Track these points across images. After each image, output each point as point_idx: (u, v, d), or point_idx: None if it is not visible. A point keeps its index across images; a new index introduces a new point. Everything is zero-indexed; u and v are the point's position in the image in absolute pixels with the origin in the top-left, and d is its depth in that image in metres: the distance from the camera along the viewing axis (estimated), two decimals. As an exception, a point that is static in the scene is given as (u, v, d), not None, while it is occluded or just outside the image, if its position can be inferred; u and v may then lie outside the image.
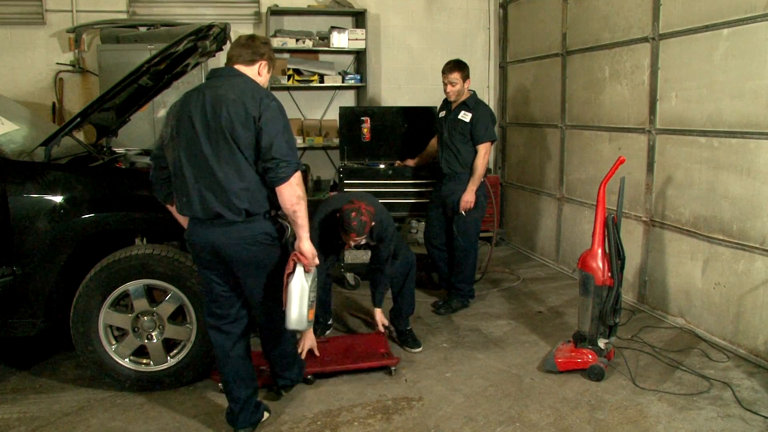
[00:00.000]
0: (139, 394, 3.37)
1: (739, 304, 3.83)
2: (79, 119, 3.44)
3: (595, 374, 3.50)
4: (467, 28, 6.93)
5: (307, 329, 3.00)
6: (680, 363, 3.70)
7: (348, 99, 6.78)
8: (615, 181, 3.68)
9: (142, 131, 5.51)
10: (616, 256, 3.52)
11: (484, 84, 6.98)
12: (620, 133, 4.86)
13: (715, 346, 3.91)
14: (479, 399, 3.35)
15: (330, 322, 4.28)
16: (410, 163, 5.22)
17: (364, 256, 5.05)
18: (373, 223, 3.55)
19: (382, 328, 3.97)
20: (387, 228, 3.75)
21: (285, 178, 2.59)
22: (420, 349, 3.97)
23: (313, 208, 6.20)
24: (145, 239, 3.48)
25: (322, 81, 6.42)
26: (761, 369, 3.60)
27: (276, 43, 6.16)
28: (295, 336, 3.16)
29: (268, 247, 2.76)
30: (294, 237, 2.77)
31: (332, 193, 5.59)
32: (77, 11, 6.03)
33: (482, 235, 5.14)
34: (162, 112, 5.63)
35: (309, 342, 3.62)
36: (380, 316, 3.99)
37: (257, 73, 2.81)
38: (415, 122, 5.52)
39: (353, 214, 3.46)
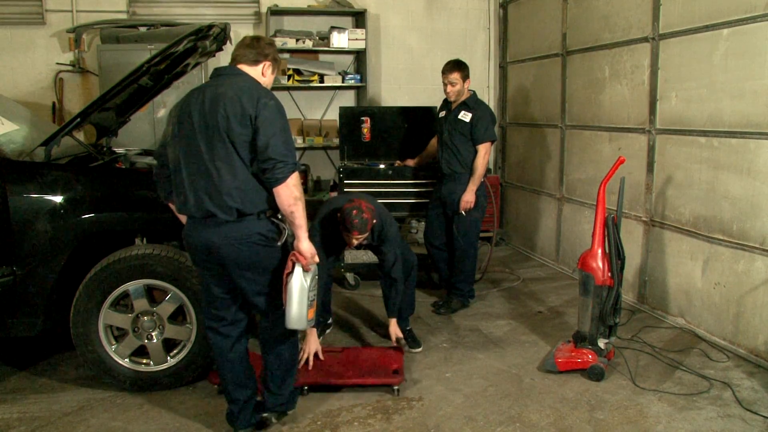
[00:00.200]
0: (139, 394, 3.37)
1: (739, 304, 3.83)
2: (79, 119, 3.44)
3: (595, 374, 3.50)
4: (467, 28, 6.94)
5: (307, 328, 2.95)
6: (680, 363, 3.70)
7: (348, 99, 6.78)
8: (615, 181, 3.68)
9: (142, 131, 5.52)
10: (616, 256, 3.52)
11: (484, 84, 6.98)
12: (620, 133, 4.86)
13: (715, 346, 3.91)
14: (479, 399, 3.35)
15: (330, 322, 4.28)
16: (410, 163, 5.22)
17: (364, 256, 5.05)
18: (374, 221, 3.54)
19: (395, 341, 3.78)
20: (389, 228, 3.70)
21: (281, 179, 2.56)
22: (420, 349, 3.97)
23: (313, 208, 6.23)
24: (145, 239, 3.48)
25: (322, 81, 6.42)
26: (761, 369, 3.60)
27: (276, 43, 6.15)
28: (295, 346, 3.02)
29: (263, 248, 2.70)
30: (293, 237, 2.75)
31: (332, 194, 5.60)
32: (77, 11, 6.04)
33: (482, 235, 5.14)
34: (162, 112, 5.64)
35: (314, 346, 3.57)
36: (394, 328, 3.81)
37: (261, 73, 2.80)
38: (415, 122, 5.52)
39: (354, 212, 3.43)
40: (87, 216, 3.29)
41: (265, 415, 3.01)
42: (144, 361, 3.40)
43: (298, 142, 6.47)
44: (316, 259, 2.75)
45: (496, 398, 3.35)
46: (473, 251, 4.71)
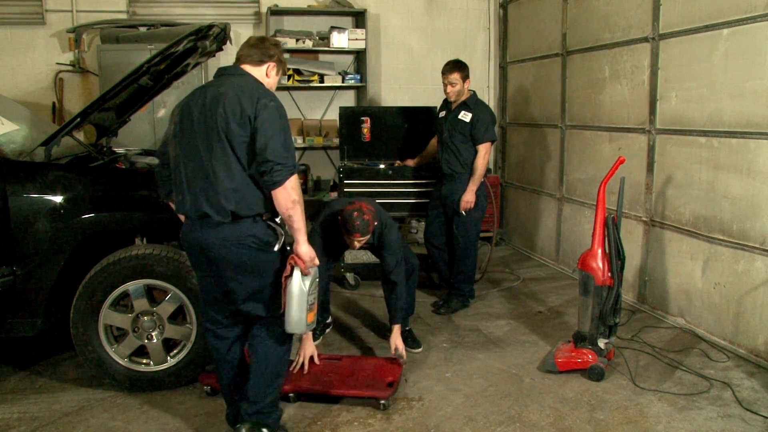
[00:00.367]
0: (139, 394, 3.37)
1: (739, 304, 3.83)
2: (79, 119, 3.44)
3: (595, 374, 3.50)
4: (467, 28, 6.93)
5: (306, 332, 2.91)
6: (680, 363, 3.70)
7: (348, 99, 6.78)
8: (615, 181, 3.68)
9: (142, 131, 5.52)
10: (616, 256, 3.52)
11: (484, 84, 6.98)
12: (620, 133, 4.86)
13: (715, 346, 3.91)
14: (479, 399, 3.35)
15: (329, 321, 4.28)
16: (410, 163, 5.22)
17: (364, 256, 5.05)
18: (375, 223, 3.53)
19: (393, 351, 3.63)
20: (389, 230, 3.68)
21: (279, 182, 2.50)
22: (420, 349, 3.97)
23: (313, 208, 6.24)
24: (145, 239, 3.48)
25: (322, 81, 6.42)
26: (761, 369, 3.60)
27: (276, 43, 6.16)
28: (284, 356, 2.86)
29: (256, 251, 2.63)
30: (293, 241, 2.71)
31: (332, 194, 5.61)
32: (77, 11, 6.04)
33: (482, 235, 5.14)
34: (162, 112, 5.64)
35: (309, 351, 3.53)
36: (396, 337, 3.66)
37: (265, 74, 2.76)
38: (415, 122, 5.52)
39: (355, 213, 3.42)
40: (87, 216, 3.29)
41: (237, 425, 2.82)
42: (144, 361, 3.40)
43: (298, 142, 6.48)
44: (316, 262, 2.71)
45: (496, 398, 3.35)
46: (473, 251, 4.71)
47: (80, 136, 3.86)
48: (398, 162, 5.30)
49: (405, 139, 5.51)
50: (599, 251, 3.55)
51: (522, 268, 5.88)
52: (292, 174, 2.53)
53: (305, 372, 3.47)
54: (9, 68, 5.98)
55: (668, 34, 4.32)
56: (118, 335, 3.39)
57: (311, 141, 6.52)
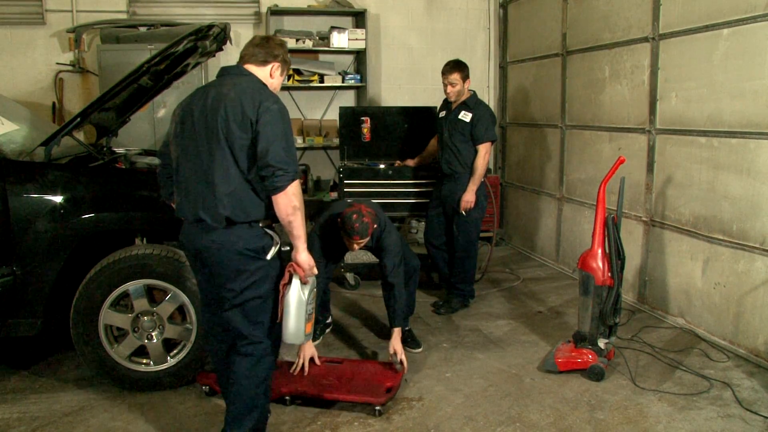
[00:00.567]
0: (139, 394, 3.37)
1: (739, 304, 3.83)
2: (79, 119, 3.44)
3: (595, 374, 3.50)
4: (467, 28, 6.94)
5: (304, 343, 2.80)
6: (680, 363, 3.70)
7: (348, 99, 6.78)
8: (615, 181, 3.68)
9: (142, 131, 5.51)
10: (616, 256, 3.52)
11: (484, 84, 6.98)
12: (620, 133, 4.86)
13: (715, 346, 3.91)
14: (479, 399, 3.35)
15: (329, 321, 4.28)
16: (410, 163, 5.22)
17: (364, 256, 5.05)
18: (375, 226, 3.52)
19: (390, 356, 3.56)
20: (388, 233, 3.67)
21: (280, 188, 2.44)
22: (420, 349, 3.97)
23: (313, 208, 6.23)
24: (145, 239, 3.48)
25: (322, 81, 6.42)
26: (761, 369, 3.60)
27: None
28: (263, 384, 2.69)
29: (249, 258, 2.56)
30: (290, 246, 2.63)
31: (332, 194, 5.61)
32: (77, 11, 6.04)
33: (482, 235, 5.14)
34: (162, 112, 5.63)
35: (309, 352, 3.52)
36: (396, 341, 3.58)
37: (269, 74, 2.70)
38: (415, 122, 5.52)
39: (355, 216, 3.40)
40: (87, 216, 3.29)
41: None
42: (144, 361, 3.40)
43: (298, 142, 6.47)
44: (315, 270, 2.65)
45: (496, 398, 3.35)
46: (473, 251, 4.71)
47: (80, 136, 3.86)
48: (398, 162, 5.30)
49: (405, 139, 5.51)
50: (599, 251, 3.55)
51: (522, 268, 5.88)
52: (293, 180, 2.47)
53: (305, 374, 3.45)
54: (9, 68, 5.98)
55: (668, 34, 4.32)
56: (118, 335, 3.38)
57: (311, 141, 6.52)
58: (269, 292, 2.62)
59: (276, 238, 2.62)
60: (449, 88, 4.56)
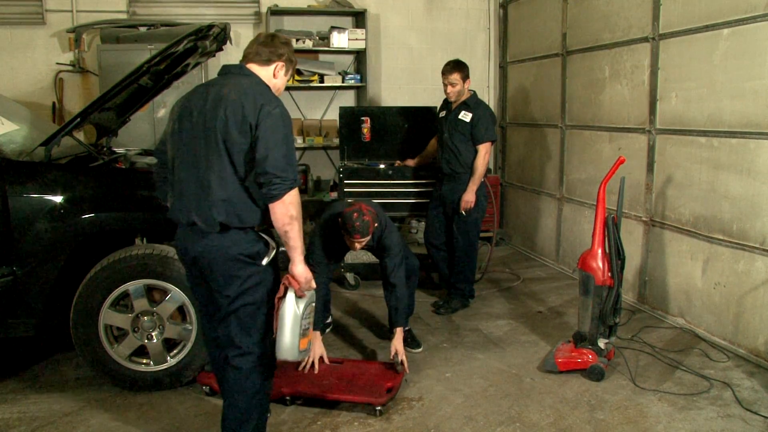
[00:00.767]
0: (139, 394, 3.37)
1: (739, 304, 3.83)
2: (79, 119, 3.44)
3: (595, 374, 3.50)
4: (467, 28, 6.94)
5: (299, 359, 2.62)
6: (680, 363, 3.70)
7: (348, 99, 6.78)
8: (615, 181, 3.68)
9: (142, 131, 5.52)
10: (616, 256, 3.52)
11: (484, 84, 6.98)
12: (620, 133, 4.86)
13: (715, 346, 3.91)
14: (479, 399, 3.35)
15: (329, 321, 4.28)
16: (410, 163, 5.22)
17: (364, 256, 5.05)
18: (375, 224, 3.51)
19: (392, 356, 3.54)
20: (389, 232, 3.67)
21: (277, 196, 2.34)
22: (420, 349, 3.97)
23: (313, 208, 6.23)
24: (145, 239, 3.48)
25: (322, 81, 6.42)
26: (761, 369, 3.60)
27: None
28: (260, 397, 2.62)
29: (244, 264, 2.46)
30: (282, 251, 2.54)
31: (333, 194, 5.61)
32: (77, 11, 6.04)
33: (482, 235, 5.14)
34: (162, 112, 5.64)
35: (319, 351, 3.51)
36: (398, 342, 3.57)
37: (272, 74, 2.59)
38: (415, 122, 5.52)
39: (355, 215, 3.39)
40: (87, 216, 3.29)
41: None
42: (144, 361, 3.40)
43: (298, 142, 6.48)
44: (313, 285, 2.53)
45: (496, 398, 3.35)
46: (473, 251, 4.71)
47: (80, 136, 3.86)
48: (398, 162, 5.30)
49: (405, 139, 5.51)
50: (599, 251, 3.55)
51: (522, 268, 5.88)
52: (292, 188, 2.36)
53: (315, 371, 3.44)
54: (9, 68, 5.98)
55: (668, 34, 4.32)
56: (118, 335, 3.38)
57: (311, 141, 6.52)
58: (264, 299, 2.52)
59: (272, 243, 2.53)
60: (449, 88, 4.56)
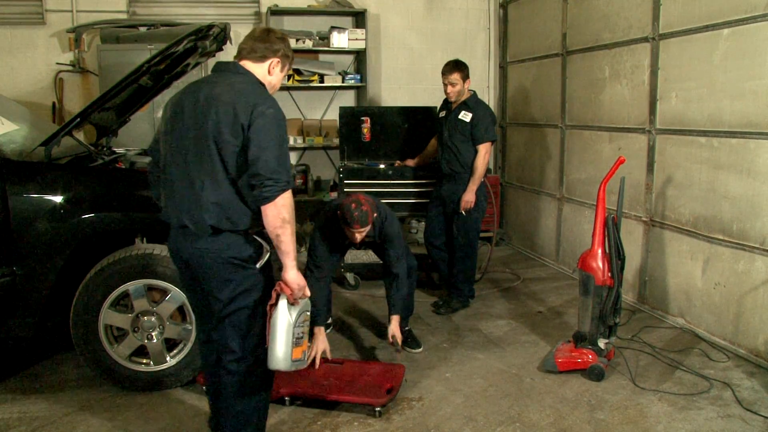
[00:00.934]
0: (139, 394, 3.37)
1: (739, 304, 3.83)
2: (79, 119, 3.44)
3: (595, 374, 3.50)
4: (467, 28, 6.94)
5: (291, 369, 2.49)
6: (680, 363, 3.70)
7: (348, 99, 6.78)
8: (615, 181, 3.68)
9: (142, 131, 5.51)
10: (616, 256, 3.52)
11: (484, 84, 6.98)
12: (620, 133, 4.86)
13: (715, 346, 3.91)
14: (479, 399, 3.35)
15: (329, 321, 4.27)
16: (410, 163, 5.22)
17: (364, 256, 5.05)
18: (375, 215, 3.50)
19: (390, 339, 3.64)
20: (390, 224, 3.68)
21: (269, 199, 2.26)
22: (420, 349, 3.97)
23: (313, 208, 6.22)
24: (145, 239, 3.48)
25: (322, 81, 6.42)
26: (761, 369, 3.60)
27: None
28: (260, 404, 2.60)
29: (236, 267, 2.41)
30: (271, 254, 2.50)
31: (333, 194, 5.60)
32: (77, 11, 6.03)
33: (482, 235, 5.14)
34: (162, 112, 5.63)
35: (322, 346, 3.51)
36: (395, 326, 3.66)
37: (267, 71, 2.50)
38: (415, 122, 5.52)
39: (353, 205, 3.39)
40: (87, 216, 3.28)
41: None
42: (144, 361, 3.40)
43: (299, 142, 6.48)
44: (307, 293, 2.45)
45: (496, 398, 3.35)
46: (473, 251, 4.71)
47: (80, 136, 3.86)
48: (398, 162, 5.30)
49: (405, 139, 5.51)
50: (599, 251, 3.55)
51: (522, 268, 5.88)
52: (284, 191, 2.29)
53: (317, 367, 3.44)
54: (9, 68, 5.98)
55: (668, 34, 4.32)
56: (118, 335, 3.38)
57: (311, 141, 6.52)
58: (259, 303, 2.47)
59: (266, 245, 2.47)
60: (449, 88, 4.56)
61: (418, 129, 5.47)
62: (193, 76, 5.16)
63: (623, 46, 4.78)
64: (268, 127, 2.31)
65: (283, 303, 2.40)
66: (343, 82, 6.45)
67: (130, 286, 3.29)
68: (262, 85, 2.49)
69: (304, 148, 6.59)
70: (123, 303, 3.35)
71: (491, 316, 4.59)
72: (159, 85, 3.92)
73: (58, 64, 6.04)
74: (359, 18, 6.48)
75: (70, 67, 6.04)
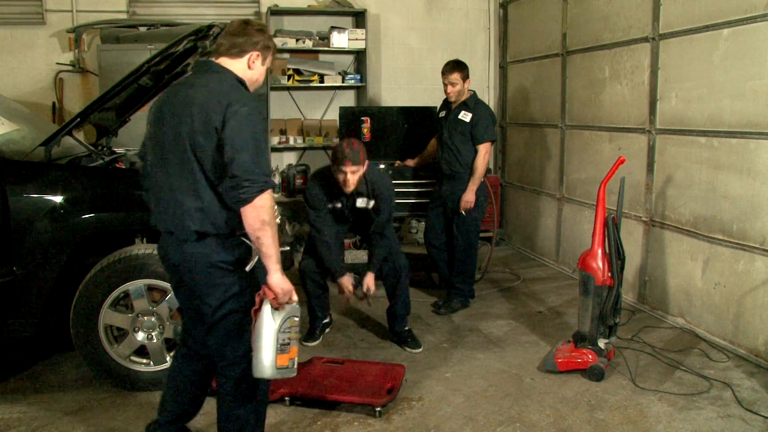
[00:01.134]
0: (139, 394, 3.36)
1: (739, 304, 3.83)
2: (79, 119, 3.44)
3: (595, 374, 3.50)
4: (467, 28, 6.94)
5: (277, 377, 2.39)
6: (680, 363, 3.70)
7: (348, 99, 6.78)
8: (615, 181, 3.68)
9: (142, 131, 5.41)
10: (616, 256, 3.52)
11: (484, 84, 6.98)
12: (620, 133, 4.86)
13: (715, 346, 3.91)
14: (479, 399, 3.35)
15: (328, 321, 4.26)
16: (410, 163, 5.22)
17: (364, 256, 5.04)
18: (366, 159, 3.62)
19: (365, 290, 3.92)
20: (382, 181, 3.81)
21: (246, 200, 2.19)
22: (420, 349, 3.96)
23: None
24: (145, 239, 3.47)
25: (322, 81, 6.42)
26: (761, 369, 3.60)
27: (276, 43, 6.14)
28: (259, 409, 2.57)
29: (225, 271, 2.36)
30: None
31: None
32: (77, 11, 6.04)
33: (482, 235, 5.14)
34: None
35: (347, 282, 3.84)
36: (369, 279, 3.94)
37: (247, 66, 2.41)
38: (415, 122, 5.52)
39: (344, 143, 3.52)
40: (87, 216, 3.28)
41: None
42: (144, 361, 3.40)
43: (298, 142, 6.48)
44: (294, 297, 2.36)
45: (496, 398, 3.35)
46: (473, 251, 4.71)
47: (80, 136, 3.86)
48: (398, 162, 5.30)
49: (405, 139, 5.51)
50: (599, 251, 3.55)
51: (522, 268, 5.88)
52: (262, 191, 2.21)
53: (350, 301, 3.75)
54: (9, 68, 5.98)
55: (668, 34, 4.32)
56: (118, 335, 3.38)
57: (311, 141, 6.52)
58: (250, 306, 2.40)
59: (254, 247, 2.39)
60: (449, 88, 4.56)
61: (418, 129, 5.47)
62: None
63: (623, 46, 4.78)
64: (242, 126, 2.23)
65: (267, 308, 2.32)
66: (343, 82, 6.45)
67: (130, 286, 3.29)
68: (241, 81, 2.41)
69: (304, 148, 6.59)
70: (123, 303, 3.35)
71: (491, 316, 4.59)
72: (159, 85, 3.91)
73: (58, 64, 6.04)
74: (359, 18, 6.48)
75: (70, 67, 6.04)
